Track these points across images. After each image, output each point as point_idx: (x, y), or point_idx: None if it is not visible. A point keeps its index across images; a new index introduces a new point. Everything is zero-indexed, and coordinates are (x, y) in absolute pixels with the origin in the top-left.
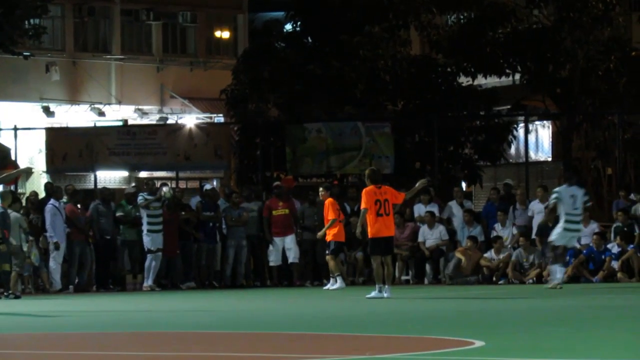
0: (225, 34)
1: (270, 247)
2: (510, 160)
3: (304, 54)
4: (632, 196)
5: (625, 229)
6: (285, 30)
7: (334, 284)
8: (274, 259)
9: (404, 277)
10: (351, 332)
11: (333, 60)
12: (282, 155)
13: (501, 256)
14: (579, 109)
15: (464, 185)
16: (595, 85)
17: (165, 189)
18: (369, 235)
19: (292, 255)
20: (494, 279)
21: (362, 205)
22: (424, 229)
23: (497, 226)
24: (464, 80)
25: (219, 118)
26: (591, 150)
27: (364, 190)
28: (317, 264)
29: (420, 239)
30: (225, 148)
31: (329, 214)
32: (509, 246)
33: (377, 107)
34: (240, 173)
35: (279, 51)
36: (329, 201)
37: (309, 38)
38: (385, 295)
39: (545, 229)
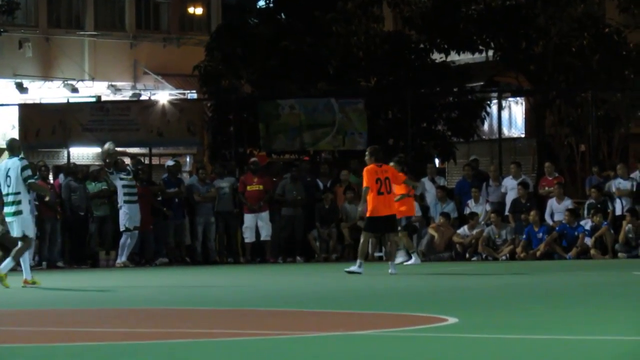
0: (199, 10)
1: (245, 224)
2: (484, 137)
3: (277, 30)
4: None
5: (599, 205)
6: (258, 6)
7: (409, 260)
8: (248, 236)
9: (377, 254)
10: (325, 308)
11: (306, 37)
12: (255, 131)
13: (474, 232)
14: (552, 86)
15: (437, 161)
16: (568, 62)
17: (107, 145)
18: (367, 214)
19: (265, 233)
20: (467, 255)
21: (364, 184)
22: None
23: (471, 202)
24: (437, 56)
25: (192, 94)
26: (564, 127)
27: (365, 169)
28: (295, 240)
29: None
30: (198, 124)
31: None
32: (482, 223)
33: (351, 83)
34: (214, 149)
35: (252, 27)
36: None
37: (282, 14)
38: (390, 271)
39: (519, 205)
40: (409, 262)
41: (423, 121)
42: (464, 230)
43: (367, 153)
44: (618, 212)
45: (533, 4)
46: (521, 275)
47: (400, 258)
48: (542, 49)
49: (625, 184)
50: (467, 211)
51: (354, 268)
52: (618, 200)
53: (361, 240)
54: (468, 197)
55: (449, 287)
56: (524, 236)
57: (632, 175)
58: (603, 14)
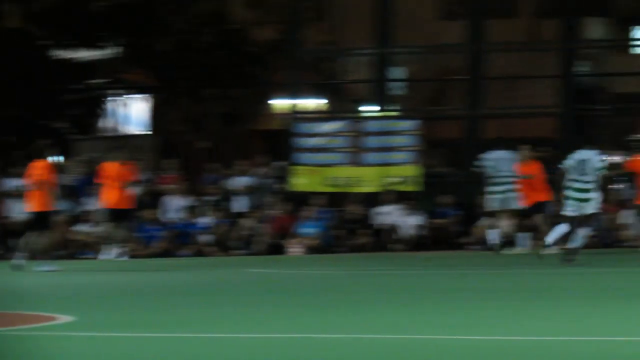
0: None
1: None
2: (106, 134)
3: None
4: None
5: (218, 202)
6: None
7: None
8: None
9: None
10: None
11: None
12: None
13: (92, 230)
14: (176, 83)
15: (55, 158)
16: (193, 59)
17: None
18: None
19: None
20: (86, 252)
21: None
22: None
23: (87, 200)
24: (61, 53)
25: None
26: (188, 124)
27: None
28: None
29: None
30: None
31: None
32: (97, 220)
33: None
34: None
35: None
36: None
37: None
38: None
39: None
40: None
41: (43, 118)
42: (81, 227)
43: None
44: (238, 209)
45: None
46: (140, 273)
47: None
48: (165, 46)
49: (245, 181)
50: (83, 208)
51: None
52: (238, 197)
53: None
54: (85, 193)
55: (64, 285)
56: (142, 234)
57: (254, 172)
58: (228, 11)
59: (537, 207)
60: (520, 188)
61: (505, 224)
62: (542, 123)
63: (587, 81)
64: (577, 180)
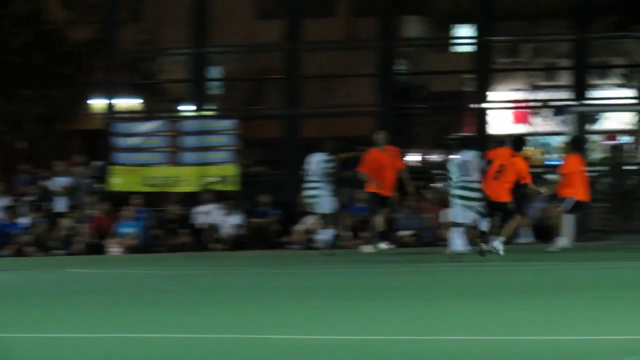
0: None
1: None
2: None
3: None
4: None
5: (37, 202)
6: None
7: None
8: None
9: None
10: None
11: None
12: None
13: None
14: None
15: None
16: (9, 60)
17: None
18: None
19: None
20: None
21: None
22: None
23: None
24: None
25: None
26: (2, 124)
27: None
28: None
29: None
30: None
31: None
32: None
33: None
34: None
35: None
36: None
37: None
38: None
39: None
40: None
41: None
42: None
43: None
44: (57, 209)
45: None
46: None
47: None
48: None
49: (64, 181)
50: None
51: None
52: (57, 197)
53: None
54: None
55: None
56: None
57: (72, 172)
58: (45, 10)
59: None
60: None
61: (334, 225)
62: (361, 122)
63: (406, 80)
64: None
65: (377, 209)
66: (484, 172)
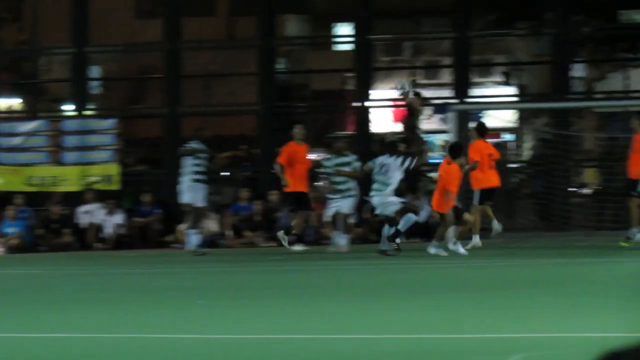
0: None
1: None
2: None
3: None
4: None
5: None
6: None
7: None
8: None
9: None
10: None
11: None
12: None
13: None
14: None
15: None
16: None
17: None
18: None
19: None
20: None
21: None
22: None
23: None
24: None
25: None
26: None
27: None
28: None
29: None
30: None
31: None
32: None
33: None
34: None
35: None
36: None
37: None
38: None
39: None
40: None
41: None
42: None
43: None
44: None
45: None
46: None
47: None
48: None
49: None
50: None
51: None
52: None
53: None
54: None
55: None
56: None
57: None
58: None
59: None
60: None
61: (208, 222)
62: (242, 121)
63: (287, 78)
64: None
65: (296, 209)
66: (407, 172)
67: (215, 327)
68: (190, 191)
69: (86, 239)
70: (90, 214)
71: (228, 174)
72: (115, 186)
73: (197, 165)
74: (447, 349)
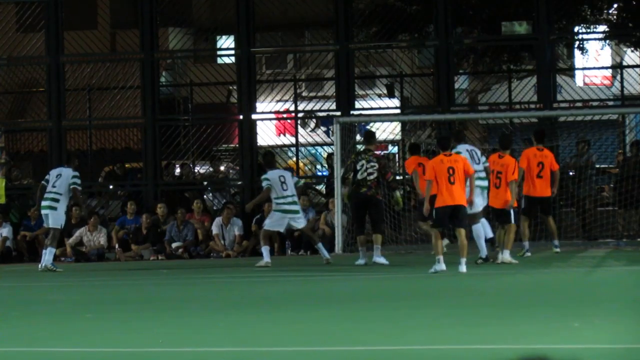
0: None
1: None
2: None
3: None
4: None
5: None
6: None
7: None
8: None
9: None
10: None
11: None
12: None
13: None
14: None
15: None
16: None
17: None
18: None
19: None
20: None
21: None
22: None
23: None
24: None
25: None
26: None
27: None
28: None
29: None
30: None
31: None
32: None
33: None
34: None
35: None
36: None
37: None
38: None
39: None
40: None
41: None
42: None
43: None
44: None
45: None
46: None
47: None
48: None
49: None
50: None
51: None
52: None
53: None
54: None
55: None
56: None
57: None
58: None
59: None
60: None
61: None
62: (127, 134)
63: (170, 91)
64: (281, 197)
65: None
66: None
67: (104, 340)
68: (55, 212)
69: None
70: None
71: (111, 187)
72: (1, 200)
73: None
74: None
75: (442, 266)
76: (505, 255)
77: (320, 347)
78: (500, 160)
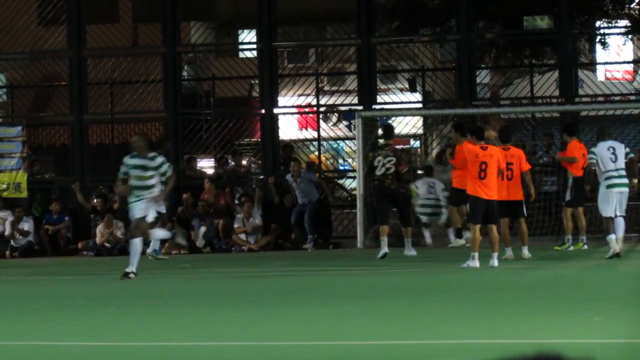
0: None
1: None
2: None
3: None
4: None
5: None
6: None
7: None
8: None
9: None
10: None
11: None
12: None
13: None
14: None
15: None
16: None
17: None
18: None
19: None
20: None
21: None
22: None
23: None
24: None
25: None
26: None
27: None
28: None
29: None
30: None
31: None
32: None
33: None
34: None
35: None
36: None
37: None
38: None
39: None
40: None
41: None
42: None
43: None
44: None
45: None
46: None
47: None
48: None
49: None
50: None
51: None
52: None
53: None
54: None
55: None
56: None
57: None
58: None
59: None
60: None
61: None
62: (150, 128)
63: (192, 86)
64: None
65: None
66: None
67: (125, 335)
68: None
69: None
70: None
71: None
72: (23, 194)
73: None
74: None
75: (476, 263)
76: (524, 251)
77: (357, 341)
78: (508, 152)
